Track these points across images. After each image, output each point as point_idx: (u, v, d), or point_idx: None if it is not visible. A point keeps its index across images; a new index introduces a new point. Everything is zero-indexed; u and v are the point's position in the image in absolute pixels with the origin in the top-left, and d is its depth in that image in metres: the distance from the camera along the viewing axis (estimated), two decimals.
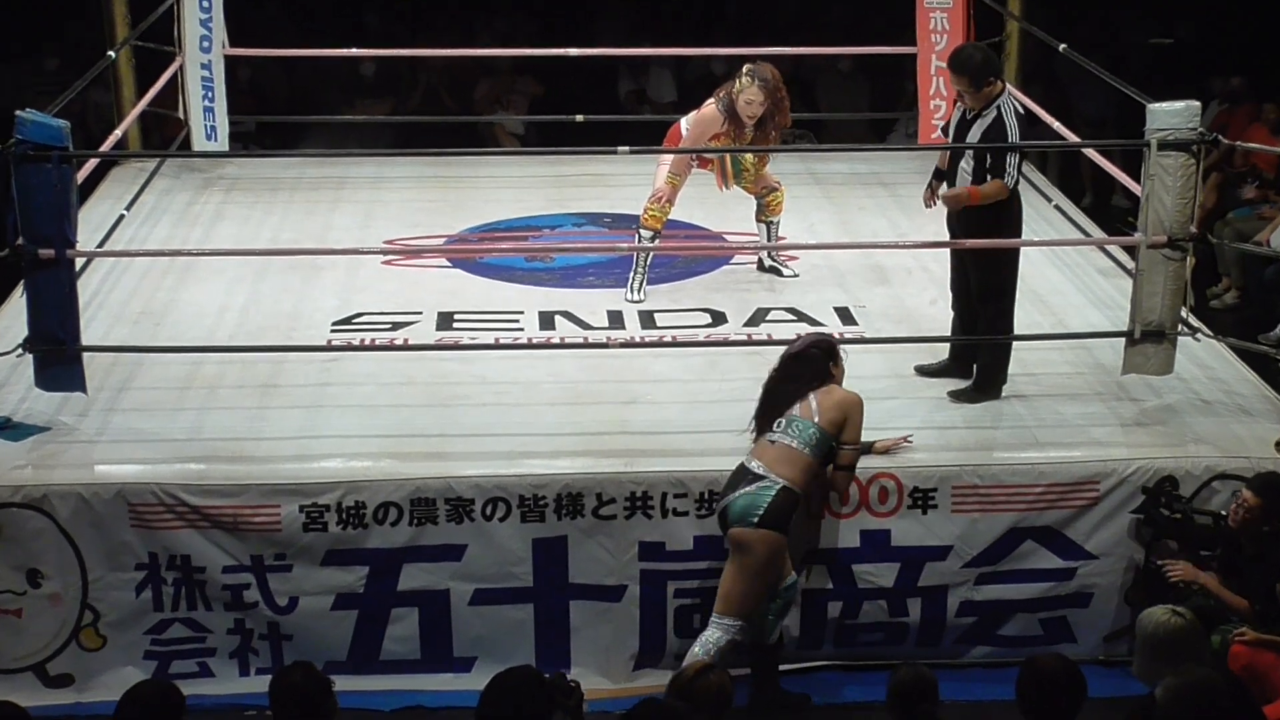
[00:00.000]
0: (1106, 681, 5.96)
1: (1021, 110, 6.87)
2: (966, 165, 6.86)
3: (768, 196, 8.28)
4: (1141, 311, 6.75)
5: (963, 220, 6.91)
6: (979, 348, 7.02)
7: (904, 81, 10.90)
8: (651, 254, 8.05)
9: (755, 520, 5.94)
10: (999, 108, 6.78)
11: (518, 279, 8.39)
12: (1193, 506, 6.39)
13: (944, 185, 7.08)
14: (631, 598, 6.46)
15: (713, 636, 6.03)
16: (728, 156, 7.95)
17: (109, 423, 6.72)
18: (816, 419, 6.07)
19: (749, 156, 8.05)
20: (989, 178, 6.75)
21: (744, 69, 7.77)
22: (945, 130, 7.23)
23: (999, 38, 10.06)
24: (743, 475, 6.04)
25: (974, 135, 6.85)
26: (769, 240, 8.36)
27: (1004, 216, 6.84)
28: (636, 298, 7.98)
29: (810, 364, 6.23)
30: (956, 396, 6.98)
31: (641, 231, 7.97)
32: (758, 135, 7.86)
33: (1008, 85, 6.94)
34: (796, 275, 8.32)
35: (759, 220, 8.37)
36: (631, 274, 8.05)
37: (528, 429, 6.69)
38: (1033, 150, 6.87)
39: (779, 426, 6.08)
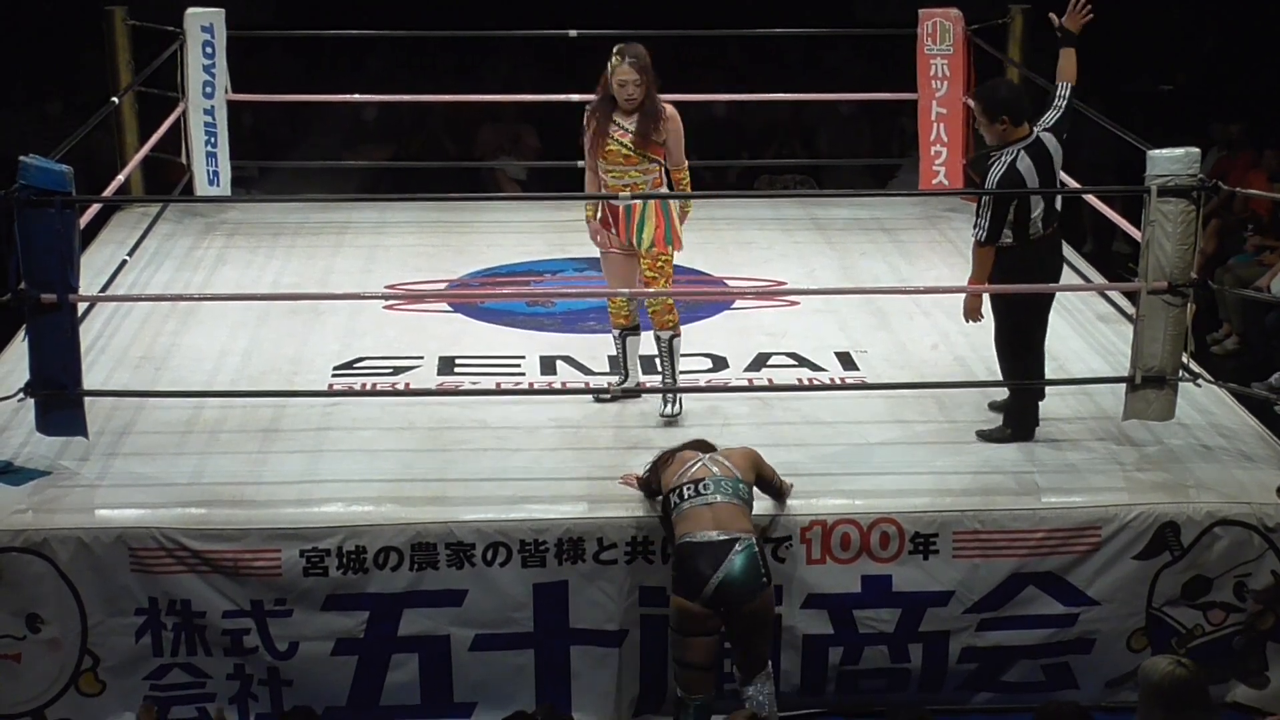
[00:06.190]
0: None
1: (1022, 167, 6.55)
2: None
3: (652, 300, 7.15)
4: (1142, 357, 6.75)
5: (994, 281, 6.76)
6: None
7: (905, 127, 10.93)
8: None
9: (765, 581, 5.89)
10: (998, 156, 6.61)
11: (519, 324, 8.39)
12: None
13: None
14: (632, 643, 6.44)
15: (765, 690, 5.99)
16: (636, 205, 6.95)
17: (110, 467, 6.71)
18: (738, 474, 6.06)
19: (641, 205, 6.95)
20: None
21: (614, 49, 6.90)
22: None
23: None
24: (717, 548, 5.83)
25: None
26: (670, 373, 7.18)
27: (1010, 277, 6.71)
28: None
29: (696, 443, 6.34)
30: (984, 435, 6.98)
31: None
32: (639, 131, 6.90)
33: (1035, 132, 6.64)
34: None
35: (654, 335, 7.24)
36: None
37: (529, 474, 6.68)
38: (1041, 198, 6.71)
39: (705, 490, 5.97)
